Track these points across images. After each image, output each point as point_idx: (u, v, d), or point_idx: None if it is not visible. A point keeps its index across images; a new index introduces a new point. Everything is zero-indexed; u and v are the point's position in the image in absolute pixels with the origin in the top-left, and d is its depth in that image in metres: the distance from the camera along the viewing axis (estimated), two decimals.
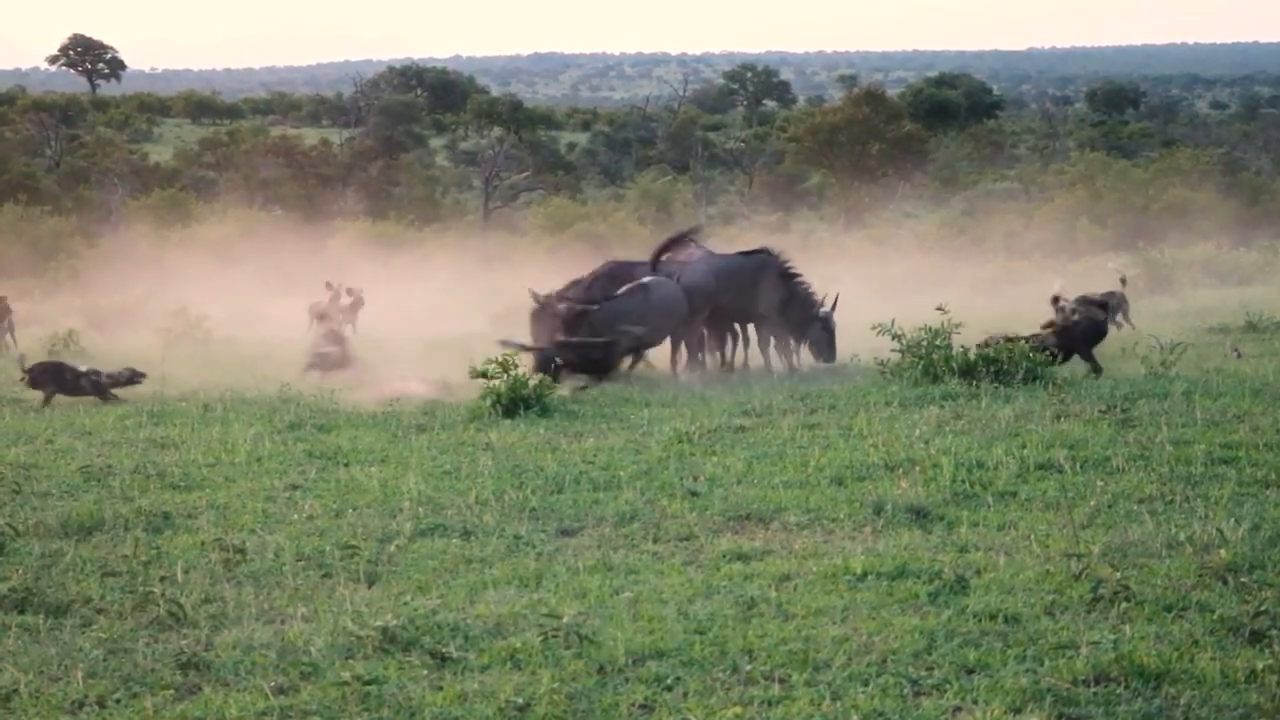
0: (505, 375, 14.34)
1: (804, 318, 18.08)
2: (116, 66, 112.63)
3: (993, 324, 17.86)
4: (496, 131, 79.03)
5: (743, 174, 74.81)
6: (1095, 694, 6.56)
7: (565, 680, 6.87)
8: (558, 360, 16.64)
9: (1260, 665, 6.71)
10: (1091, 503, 9.71)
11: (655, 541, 9.30)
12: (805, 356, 18.33)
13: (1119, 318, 20.34)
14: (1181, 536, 8.77)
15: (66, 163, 67.98)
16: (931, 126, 77.20)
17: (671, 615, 7.71)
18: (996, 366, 14.91)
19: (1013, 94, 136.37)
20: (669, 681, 6.84)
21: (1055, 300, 16.40)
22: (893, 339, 16.08)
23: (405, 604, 8.07)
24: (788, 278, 18.26)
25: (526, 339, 17.54)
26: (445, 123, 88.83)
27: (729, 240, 39.61)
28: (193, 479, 11.53)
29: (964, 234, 49.68)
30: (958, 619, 7.50)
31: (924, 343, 15.76)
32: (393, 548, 9.22)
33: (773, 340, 18.32)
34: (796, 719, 6.41)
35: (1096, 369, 15.77)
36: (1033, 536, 8.97)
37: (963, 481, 10.46)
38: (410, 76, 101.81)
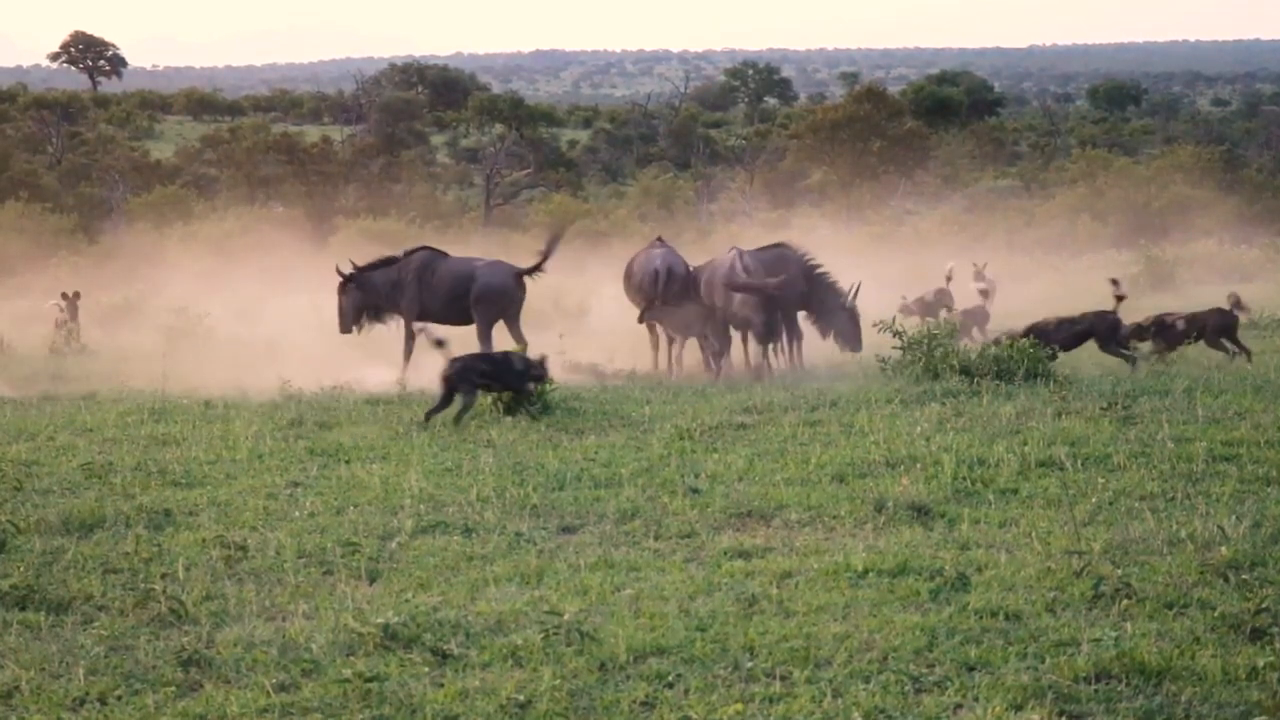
0: None
1: (830, 308, 18.16)
2: (118, 64, 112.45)
3: (995, 322, 17.84)
4: (498, 129, 78.99)
5: (744, 171, 74.61)
6: (1096, 691, 6.56)
7: (566, 677, 6.87)
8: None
9: (1261, 662, 6.71)
10: (1093, 500, 9.71)
11: (656, 539, 9.30)
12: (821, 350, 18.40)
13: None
14: (1183, 534, 8.78)
15: (68, 160, 67.96)
16: (933, 124, 77.03)
17: (673, 612, 7.71)
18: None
19: (1014, 91, 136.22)
20: (670, 679, 6.84)
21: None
22: (894, 336, 16.09)
23: (406, 601, 8.07)
24: (811, 270, 18.37)
25: (523, 336, 17.58)
26: (446, 120, 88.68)
27: (730, 238, 39.62)
28: (194, 476, 11.53)
29: (965, 231, 49.64)
30: (959, 616, 7.50)
31: (925, 340, 15.76)
32: (394, 545, 9.22)
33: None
34: (798, 716, 6.41)
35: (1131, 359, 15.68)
36: (1034, 534, 8.97)
37: (964, 479, 10.46)
38: (411, 74, 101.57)
